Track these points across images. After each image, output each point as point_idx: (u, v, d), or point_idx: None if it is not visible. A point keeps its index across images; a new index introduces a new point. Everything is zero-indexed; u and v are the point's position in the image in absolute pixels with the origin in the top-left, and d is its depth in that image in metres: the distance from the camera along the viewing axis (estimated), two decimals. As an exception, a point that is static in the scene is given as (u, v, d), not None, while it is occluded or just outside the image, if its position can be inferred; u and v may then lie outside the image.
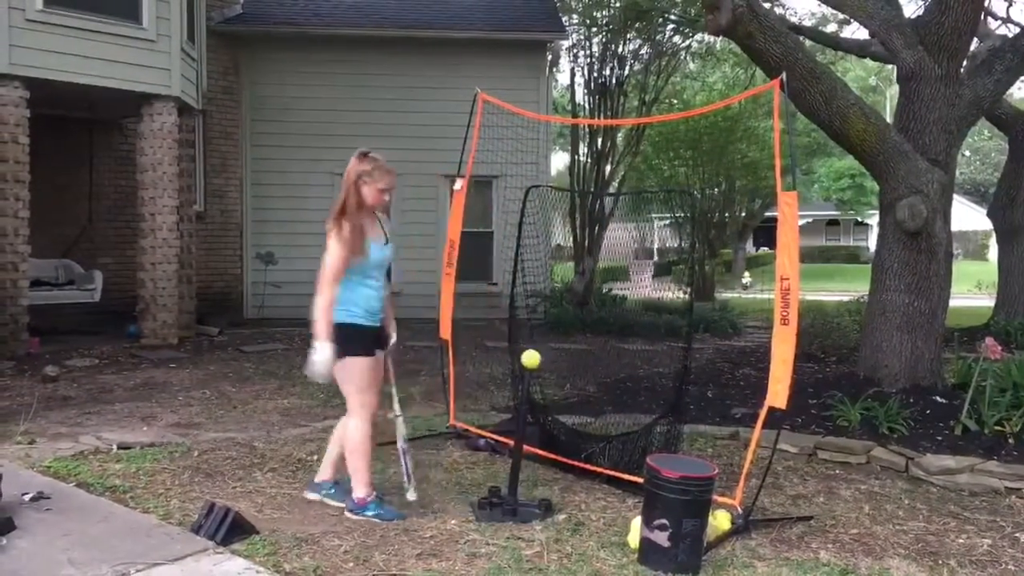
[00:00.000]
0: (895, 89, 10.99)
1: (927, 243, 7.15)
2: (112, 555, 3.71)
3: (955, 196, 8.58)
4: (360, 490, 4.42)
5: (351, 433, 4.41)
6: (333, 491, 4.63)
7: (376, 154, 4.49)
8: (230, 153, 14.29)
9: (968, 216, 38.01)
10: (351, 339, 4.31)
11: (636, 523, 4.09)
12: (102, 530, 4.04)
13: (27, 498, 4.40)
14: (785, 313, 4.38)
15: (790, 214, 4.44)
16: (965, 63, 7.96)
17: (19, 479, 4.72)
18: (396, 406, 4.78)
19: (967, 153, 48.03)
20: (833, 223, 47.89)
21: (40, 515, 4.22)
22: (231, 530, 3.97)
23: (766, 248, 39.89)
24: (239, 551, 3.86)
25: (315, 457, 5.47)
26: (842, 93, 6.99)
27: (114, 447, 5.66)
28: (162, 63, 10.72)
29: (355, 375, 4.35)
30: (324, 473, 4.70)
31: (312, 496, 4.68)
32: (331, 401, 7.52)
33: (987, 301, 14.47)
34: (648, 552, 3.91)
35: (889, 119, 8.40)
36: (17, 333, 9.65)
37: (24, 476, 4.86)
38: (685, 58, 18.80)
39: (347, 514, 4.44)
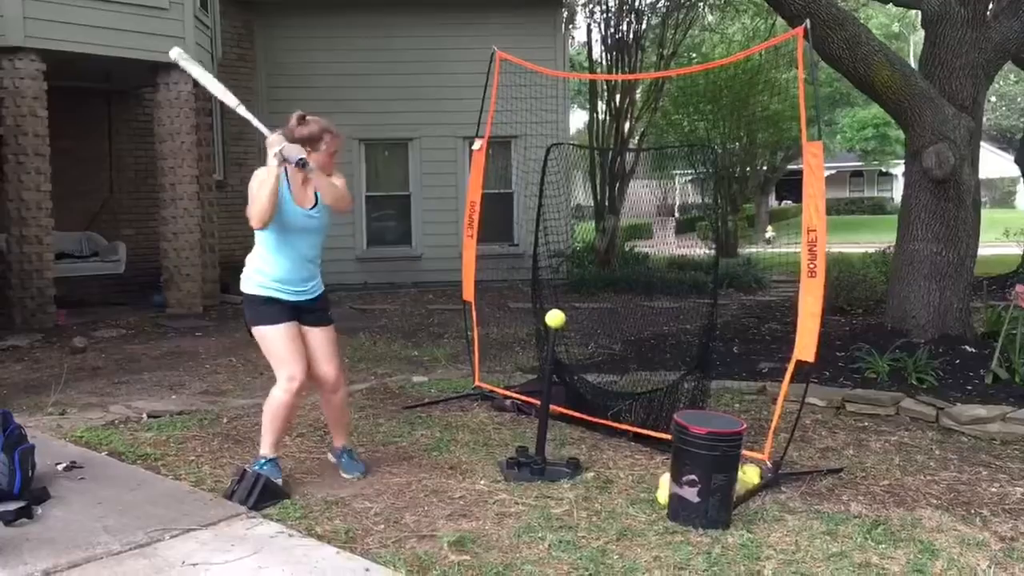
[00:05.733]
0: (919, 36, 10.77)
1: (954, 191, 7.04)
2: (146, 521, 3.74)
3: (982, 143, 8.42)
4: (263, 448, 4.30)
5: (270, 397, 4.27)
6: (342, 460, 4.56)
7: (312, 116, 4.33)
8: (247, 121, 14.24)
9: (995, 163, 37.38)
10: (256, 310, 4.21)
11: (665, 480, 4.08)
12: (135, 497, 4.08)
13: (60, 468, 4.45)
14: (812, 265, 4.32)
15: (815, 165, 4.35)
16: (991, 5, 7.76)
17: (52, 449, 4.77)
18: None
19: (993, 99, 47.08)
20: (857, 174, 47.30)
21: (74, 484, 4.26)
22: (263, 495, 4.00)
23: (789, 202, 39.47)
24: (271, 515, 3.89)
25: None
26: (866, 40, 6.84)
27: (144, 416, 5.71)
28: (175, 31, 10.65)
29: (267, 345, 4.23)
30: (336, 439, 4.65)
31: (333, 459, 4.65)
32: (355, 366, 7.56)
33: (1015, 249, 14.24)
34: (677, 508, 3.91)
35: (914, 66, 8.23)
36: (44, 306, 9.76)
37: (56, 446, 4.91)
38: (703, 10, 18.47)
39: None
